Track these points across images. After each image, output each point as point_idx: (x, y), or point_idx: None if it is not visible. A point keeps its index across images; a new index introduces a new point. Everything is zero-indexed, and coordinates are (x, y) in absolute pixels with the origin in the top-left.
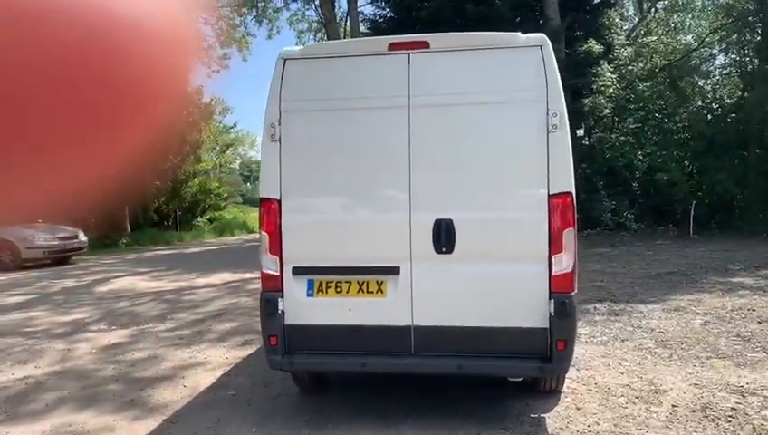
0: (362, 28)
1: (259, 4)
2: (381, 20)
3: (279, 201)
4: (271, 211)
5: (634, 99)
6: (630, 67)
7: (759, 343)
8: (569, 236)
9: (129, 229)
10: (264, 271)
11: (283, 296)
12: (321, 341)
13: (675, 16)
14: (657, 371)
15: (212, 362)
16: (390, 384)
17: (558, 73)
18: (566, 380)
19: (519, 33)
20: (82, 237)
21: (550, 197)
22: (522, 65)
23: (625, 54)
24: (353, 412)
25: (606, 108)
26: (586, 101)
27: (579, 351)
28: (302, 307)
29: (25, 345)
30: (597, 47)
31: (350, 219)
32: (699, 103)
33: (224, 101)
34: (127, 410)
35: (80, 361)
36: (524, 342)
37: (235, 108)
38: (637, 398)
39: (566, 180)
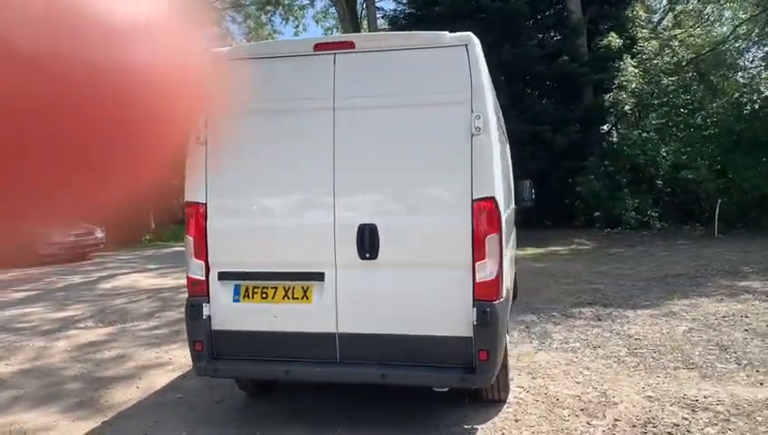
0: (383, 25)
1: (285, 2)
2: (401, 15)
3: (205, 205)
4: (196, 215)
5: (658, 94)
6: (655, 61)
7: (735, 353)
8: (492, 242)
9: (153, 226)
10: (190, 276)
11: (209, 302)
12: (247, 347)
13: (708, 8)
14: (616, 381)
15: (175, 362)
16: (336, 390)
17: (485, 73)
18: (517, 389)
19: (446, 33)
20: (99, 234)
21: (473, 202)
22: (446, 65)
23: (650, 48)
24: (287, 419)
25: (628, 104)
26: (607, 96)
27: (544, 358)
28: (228, 313)
29: (7, 342)
30: (617, 41)
31: (276, 224)
32: (732, 97)
33: None
34: (73, 410)
35: (51, 359)
36: (448, 351)
37: None
38: (582, 410)
39: (489, 184)
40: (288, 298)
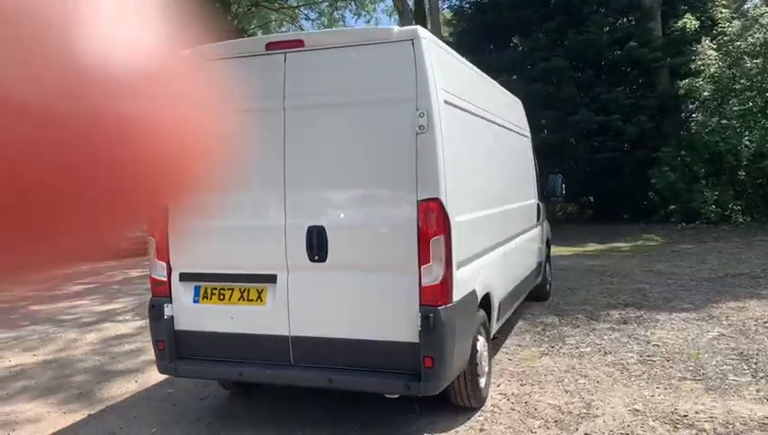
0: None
1: None
2: (466, 5)
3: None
4: (157, 216)
5: (741, 77)
6: (738, 43)
7: (756, 364)
8: (437, 244)
9: None
10: (153, 276)
11: (171, 302)
12: (206, 348)
13: None
14: (609, 391)
15: None
16: (315, 392)
17: (433, 69)
18: (499, 396)
19: (394, 27)
20: None
21: (418, 203)
22: (392, 61)
23: (731, 29)
24: (259, 420)
25: (706, 89)
26: (683, 83)
27: (545, 363)
28: (188, 313)
29: (45, 334)
30: (693, 23)
31: (233, 225)
32: None
33: None
34: (69, 402)
35: (75, 351)
36: (394, 357)
37: None
38: (556, 422)
39: (434, 185)
40: (243, 300)
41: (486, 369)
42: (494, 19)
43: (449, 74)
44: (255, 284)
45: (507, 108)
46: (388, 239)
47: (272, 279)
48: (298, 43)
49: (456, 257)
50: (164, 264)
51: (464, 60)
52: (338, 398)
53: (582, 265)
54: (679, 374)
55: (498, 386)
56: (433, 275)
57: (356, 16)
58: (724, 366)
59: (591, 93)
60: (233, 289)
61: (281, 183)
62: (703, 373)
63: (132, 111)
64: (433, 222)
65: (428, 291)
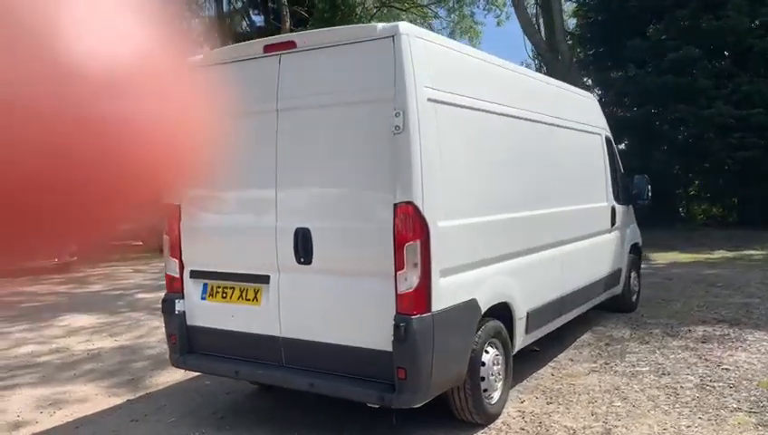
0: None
1: None
2: None
3: (178, 206)
4: (172, 215)
5: None
6: None
7: None
8: (412, 251)
9: None
10: (167, 273)
11: (183, 298)
12: (211, 344)
13: None
14: (641, 417)
15: None
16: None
17: (414, 66)
18: (516, 413)
19: (377, 24)
20: None
21: (394, 206)
22: (374, 59)
23: None
24: (265, 418)
25: None
26: None
27: (590, 381)
28: (197, 309)
29: (135, 320)
30: None
31: (235, 225)
32: None
33: None
34: (119, 386)
35: (151, 338)
36: (371, 365)
37: None
38: None
39: (408, 188)
40: (242, 299)
41: (500, 384)
42: (620, 7)
43: (442, 70)
44: (252, 283)
45: (555, 102)
46: (369, 244)
47: (265, 280)
48: (290, 45)
49: (442, 264)
50: (176, 261)
51: (478, 53)
52: (344, 403)
53: (694, 275)
54: (734, 405)
55: (522, 402)
56: (407, 282)
57: (486, 12)
58: None
59: (731, 85)
60: (234, 288)
61: (272, 185)
62: (763, 406)
63: (119, 112)
64: (407, 227)
65: (403, 299)
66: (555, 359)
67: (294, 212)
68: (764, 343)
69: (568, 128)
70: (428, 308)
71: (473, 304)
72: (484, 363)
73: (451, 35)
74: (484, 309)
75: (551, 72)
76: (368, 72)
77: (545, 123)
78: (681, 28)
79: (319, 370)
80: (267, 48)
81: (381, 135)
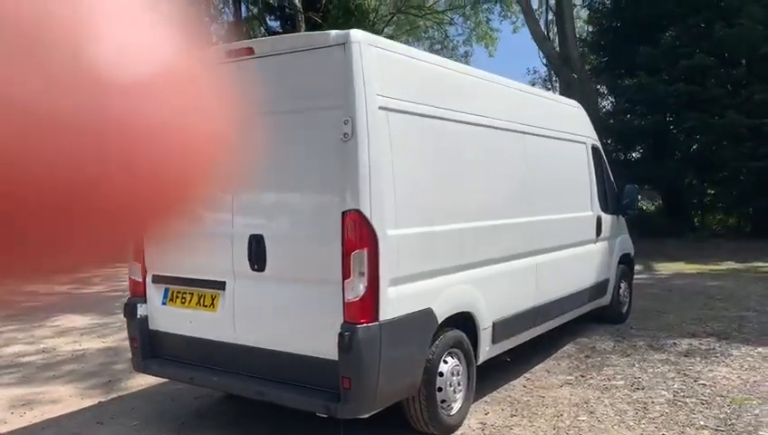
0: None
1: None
2: (607, 1)
3: None
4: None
5: None
6: None
7: None
8: (359, 259)
9: None
10: (131, 277)
11: (145, 302)
12: (172, 349)
13: None
14: (603, 432)
15: None
16: None
17: (365, 73)
18: (478, 425)
19: (330, 32)
20: None
21: (343, 214)
22: (327, 67)
23: None
24: (228, 423)
25: None
26: None
27: (561, 394)
28: (159, 314)
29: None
30: None
31: (194, 231)
32: None
33: None
34: (95, 388)
35: None
36: (320, 374)
37: None
38: None
39: (355, 196)
40: (200, 305)
41: (460, 395)
42: (633, 14)
43: (397, 78)
44: (210, 289)
45: (531, 111)
46: (319, 251)
47: (222, 286)
48: (249, 51)
49: (392, 273)
50: (140, 265)
51: (439, 61)
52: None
53: (696, 286)
54: (702, 422)
55: (486, 414)
56: (354, 290)
57: (502, 18)
58: (767, 419)
59: (743, 93)
60: (192, 293)
61: (230, 191)
62: (731, 424)
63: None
64: (355, 235)
65: (350, 307)
66: (532, 370)
67: (249, 218)
68: (749, 359)
69: (546, 136)
70: (376, 317)
71: (428, 313)
72: (441, 374)
73: (467, 42)
74: (441, 319)
75: (561, 80)
76: (321, 79)
77: (517, 132)
78: (694, 35)
79: (270, 378)
80: (228, 54)
81: (332, 142)
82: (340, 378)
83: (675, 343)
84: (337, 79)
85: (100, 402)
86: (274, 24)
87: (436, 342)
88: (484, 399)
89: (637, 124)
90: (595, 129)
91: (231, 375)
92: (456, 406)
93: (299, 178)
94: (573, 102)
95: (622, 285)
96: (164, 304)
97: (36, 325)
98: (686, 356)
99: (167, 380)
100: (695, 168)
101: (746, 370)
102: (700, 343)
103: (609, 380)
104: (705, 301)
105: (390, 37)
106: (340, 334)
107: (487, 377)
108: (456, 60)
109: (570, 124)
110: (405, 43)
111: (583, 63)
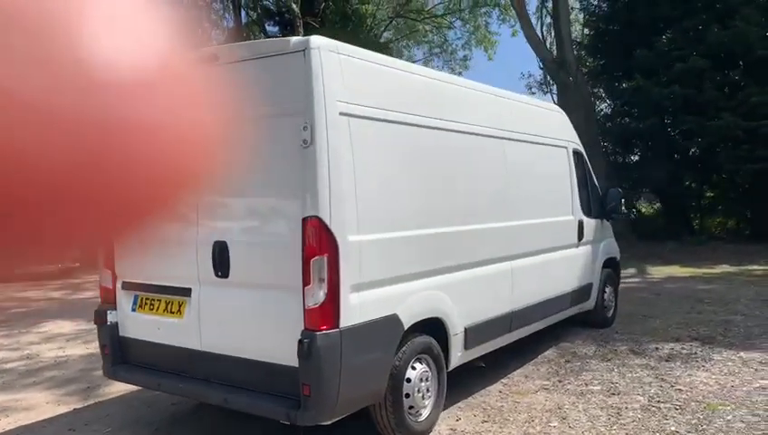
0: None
1: (501, 1)
2: (603, 4)
3: None
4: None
5: None
6: None
7: None
8: (318, 265)
9: None
10: (101, 284)
11: (116, 309)
12: (142, 355)
13: None
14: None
15: None
16: None
17: (324, 79)
18: (448, 431)
19: (291, 39)
20: None
21: (303, 220)
22: (288, 73)
23: None
24: (201, 431)
25: None
26: None
27: (536, 399)
28: (129, 321)
29: None
30: None
31: (162, 238)
32: None
33: None
34: (72, 395)
35: None
36: (283, 380)
37: None
38: None
39: (315, 202)
40: (167, 311)
41: (430, 401)
42: (629, 17)
43: (359, 84)
44: (176, 296)
45: (505, 115)
46: (281, 258)
47: (188, 293)
48: (213, 58)
49: (353, 279)
50: (110, 272)
51: (403, 65)
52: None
53: (686, 290)
54: (673, 428)
55: (458, 420)
56: (314, 297)
57: (500, 22)
58: (739, 423)
59: (739, 96)
60: (161, 300)
61: (195, 199)
62: (701, 429)
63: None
64: (314, 241)
65: (310, 314)
66: (510, 375)
67: (213, 225)
68: (729, 363)
69: (526, 141)
70: (336, 324)
71: (393, 319)
72: (409, 380)
73: (466, 46)
74: (408, 325)
75: (558, 84)
76: (282, 85)
77: (494, 137)
78: (690, 39)
79: (235, 385)
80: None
81: (294, 149)
82: (300, 385)
83: (657, 348)
84: (297, 85)
85: (75, 409)
86: (273, 30)
87: (403, 348)
88: (458, 404)
89: (634, 127)
90: (592, 132)
91: (197, 382)
92: (426, 412)
93: (262, 184)
94: (554, 107)
95: (607, 289)
96: (133, 310)
97: (24, 331)
98: (666, 361)
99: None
100: (693, 170)
101: (725, 374)
102: (682, 348)
103: (587, 385)
104: (693, 305)
105: (389, 42)
106: (300, 341)
107: (463, 383)
108: (454, 64)
109: (550, 129)
110: (404, 48)
111: (579, 67)
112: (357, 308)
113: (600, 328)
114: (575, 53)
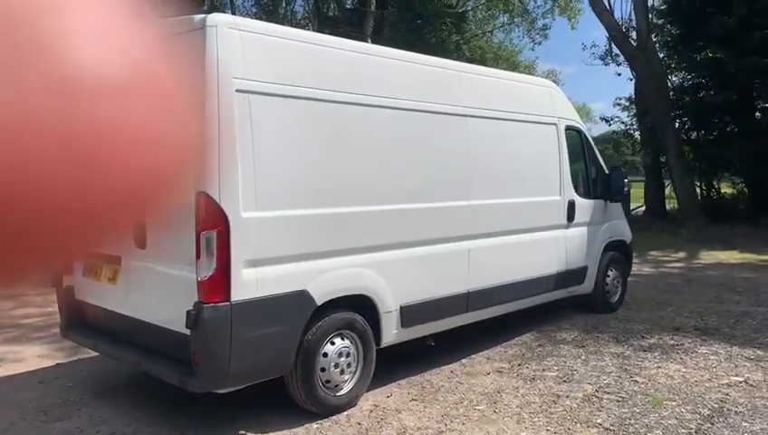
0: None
1: None
2: None
3: None
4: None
5: None
6: None
7: (727, 420)
8: (207, 240)
9: None
10: None
11: (72, 274)
12: (89, 318)
13: None
14: (486, 424)
15: None
16: None
17: (220, 56)
18: (372, 407)
19: (196, 16)
20: None
21: (196, 196)
22: (190, 50)
23: None
24: (127, 398)
25: None
26: None
27: (482, 382)
28: (80, 286)
29: None
30: None
31: None
32: None
33: (556, 72)
34: (60, 350)
35: None
36: (181, 348)
37: (564, 80)
38: None
39: (203, 178)
40: (105, 278)
41: (353, 377)
42: None
43: (265, 60)
44: (112, 265)
45: (480, 92)
46: (183, 231)
47: (119, 261)
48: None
49: (248, 255)
50: None
51: (321, 40)
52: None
53: (723, 278)
54: (599, 421)
55: (389, 396)
56: (204, 270)
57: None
58: (672, 420)
59: None
60: (102, 267)
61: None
62: (626, 425)
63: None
64: (203, 216)
65: (200, 286)
66: (472, 356)
67: None
68: (711, 357)
69: (497, 118)
70: (227, 297)
71: (301, 295)
72: (326, 354)
73: (548, 14)
74: (321, 301)
75: (625, 55)
76: (188, 62)
77: (434, 112)
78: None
79: (150, 349)
80: None
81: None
82: (192, 354)
83: (644, 337)
84: (197, 62)
85: (58, 364)
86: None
87: (320, 323)
88: (399, 381)
89: (710, 101)
90: (664, 106)
91: (123, 345)
92: (347, 387)
93: None
94: (545, 82)
95: (611, 273)
96: (84, 275)
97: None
98: (644, 351)
99: None
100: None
101: (698, 369)
102: (671, 338)
103: (543, 370)
104: (719, 293)
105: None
106: (188, 312)
107: (421, 360)
108: (532, 33)
109: (534, 106)
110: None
111: (650, 35)
112: (253, 283)
113: (603, 313)
114: (651, 20)
